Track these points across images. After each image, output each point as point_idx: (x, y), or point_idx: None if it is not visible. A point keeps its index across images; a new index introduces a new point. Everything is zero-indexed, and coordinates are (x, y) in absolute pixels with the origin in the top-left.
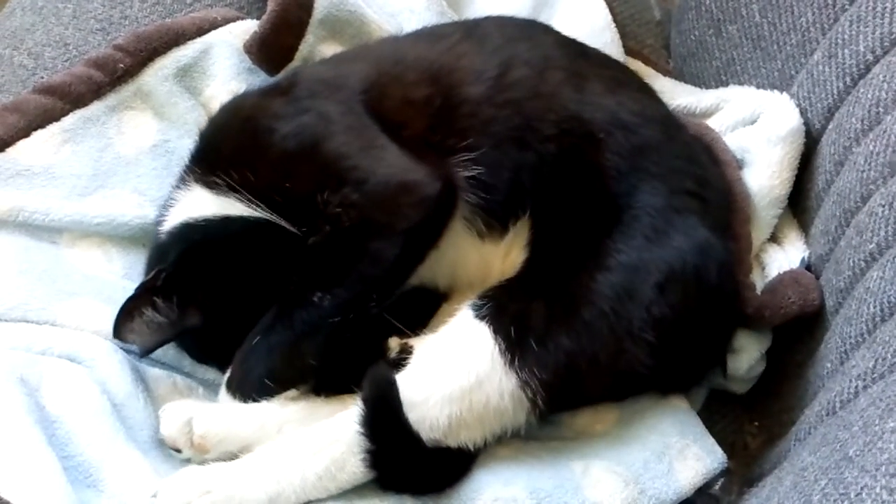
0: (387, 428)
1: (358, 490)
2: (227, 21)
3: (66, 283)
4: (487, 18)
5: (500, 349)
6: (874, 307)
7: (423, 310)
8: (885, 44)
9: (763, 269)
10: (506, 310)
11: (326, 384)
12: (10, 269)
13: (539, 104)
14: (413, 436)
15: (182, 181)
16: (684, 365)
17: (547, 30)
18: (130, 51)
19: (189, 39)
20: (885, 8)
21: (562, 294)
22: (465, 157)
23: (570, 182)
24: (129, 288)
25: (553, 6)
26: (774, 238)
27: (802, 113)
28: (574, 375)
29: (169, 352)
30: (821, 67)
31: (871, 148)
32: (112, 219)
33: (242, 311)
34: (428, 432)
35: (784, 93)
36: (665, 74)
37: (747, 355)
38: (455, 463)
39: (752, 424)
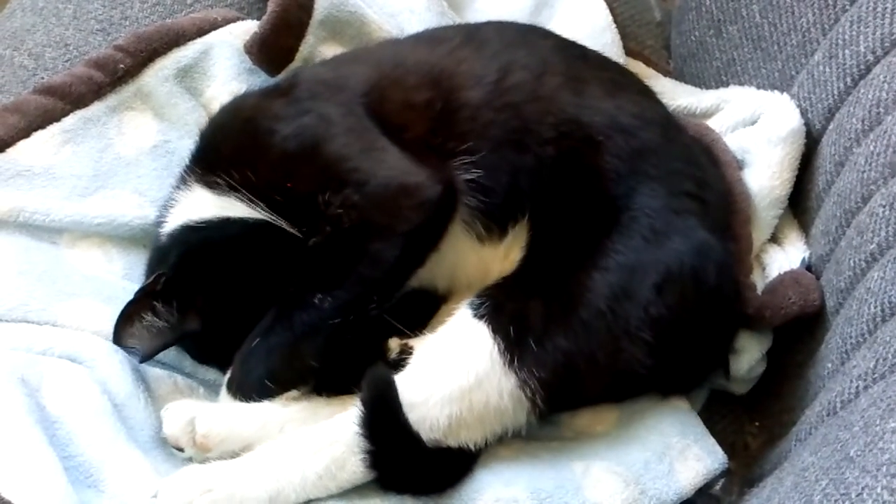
0: (386, 429)
1: (359, 490)
2: (227, 21)
3: (67, 283)
4: (487, 24)
5: (499, 349)
6: (875, 307)
7: (423, 310)
8: (886, 44)
9: (763, 269)
10: (504, 309)
11: (327, 384)
12: (11, 270)
13: (538, 107)
14: (413, 436)
15: (182, 181)
16: (685, 366)
17: (546, 35)
18: (131, 51)
19: (189, 40)
20: (886, 8)
21: (560, 293)
22: (465, 161)
23: (569, 184)
24: (129, 288)
25: (553, 6)
26: (775, 238)
27: (803, 113)
28: (572, 375)
29: (170, 352)
30: (821, 68)
31: (871, 148)
32: (112, 219)
33: (243, 312)
34: (428, 433)
35: (784, 93)
36: (665, 75)
37: (748, 356)
38: (456, 463)
39: (752, 425)
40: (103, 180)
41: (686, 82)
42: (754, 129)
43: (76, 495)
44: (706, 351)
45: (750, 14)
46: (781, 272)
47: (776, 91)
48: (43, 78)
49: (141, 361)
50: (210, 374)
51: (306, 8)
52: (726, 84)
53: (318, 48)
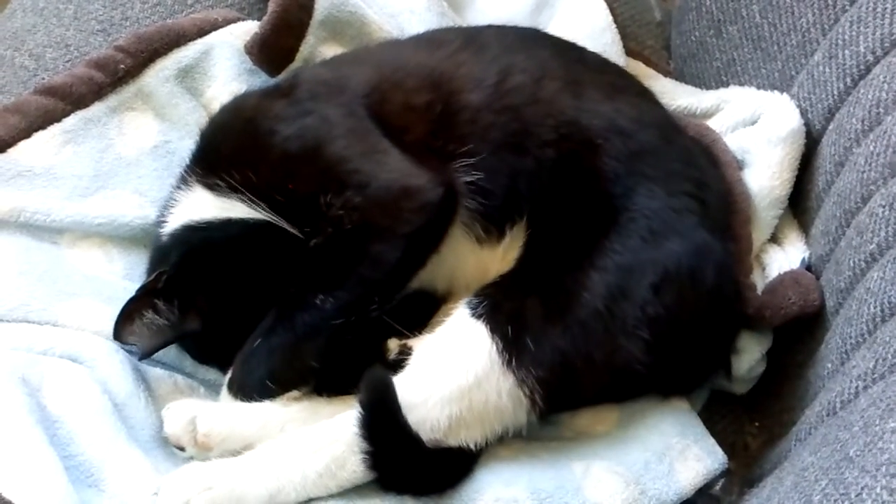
0: (385, 431)
1: (359, 490)
2: (227, 22)
3: (67, 283)
4: (487, 27)
5: (497, 348)
6: (874, 307)
7: (422, 311)
8: (886, 44)
9: (763, 269)
10: (502, 308)
11: (328, 384)
12: (11, 270)
13: (537, 110)
14: (412, 438)
15: (183, 181)
16: (685, 366)
17: (545, 38)
18: (131, 52)
19: (190, 40)
20: (886, 9)
21: (557, 292)
22: (465, 163)
23: (568, 186)
24: (129, 288)
25: (554, 7)
26: (775, 238)
27: (803, 113)
28: (570, 373)
29: (170, 352)
30: (821, 68)
31: (871, 149)
32: (113, 219)
33: (244, 312)
34: (429, 433)
35: (784, 93)
36: (666, 75)
37: (748, 356)
38: (456, 463)
39: (752, 425)
40: (104, 180)
41: (686, 82)
42: (754, 130)
43: (77, 495)
44: (706, 351)
45: (750, 14)
46: (781, 272)
47: (776, 91)
48: (44, 78)
49: (140, 359)
50: (210, 374)
51: (307, 8)
52: (726, 84)
53: (319, 48)
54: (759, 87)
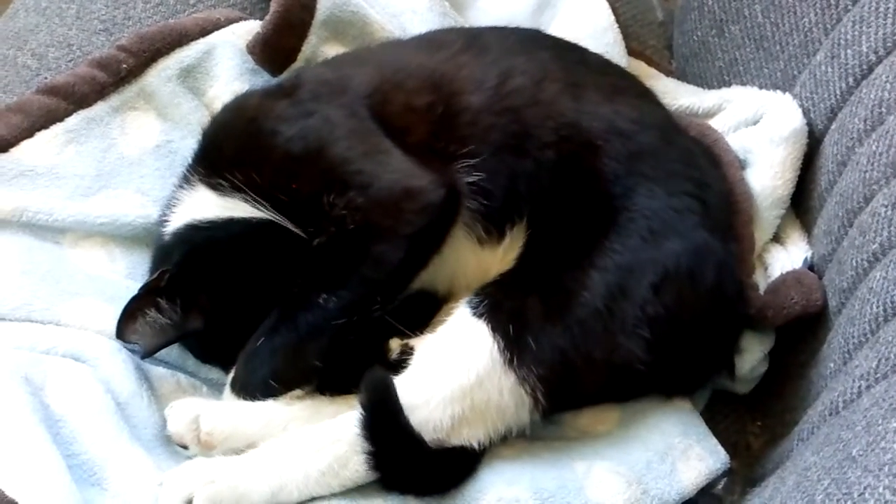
0: (386, 431)
1: (362, 489)
2: (229, 22)
3: (70, 282)
4: (488, 29)
5: (498, 347)
6: (877, 307)
7: (423, 311)
8: (888, 44)
9: (766, 269)
10: (502, 307)
11: (330, 384)
12: (14, 269)
13: (537, 111)
14: (414, 438)
15: (186, 181)
16: (686, 366)
17: (546, 40)
18: (134, 51)
19: (192, 40)
20: (889, 8)
21: (557, 291)
22: (466, 164)
23: (568, 187)
24: (132, 288)
25: (556, 6)
26: (777, 238)
27: (805, 113)
28: (571, 371)
29: (172, 351)
30: (823, 68)
31: (873, 148)
32: (115, 219)
33: (246, 312)
34: (431, 433)
35: (787, 93)
36: (668, 75)
37: (750, 355)
38: (458, 463)
39: (754, 424)
40: (106, 180)
41: (688, 82)
42: (756, 129)
43: (80, 493)
44: (708, 351)
45: (752, 14)
46: (784, 272)
47: (778, 91)
48: (46, 78)
49: (142, 358)
50: (213, 373)
51: (309, 8)
52: (728, 84)
53: (321, 48)
54: (761, 87)
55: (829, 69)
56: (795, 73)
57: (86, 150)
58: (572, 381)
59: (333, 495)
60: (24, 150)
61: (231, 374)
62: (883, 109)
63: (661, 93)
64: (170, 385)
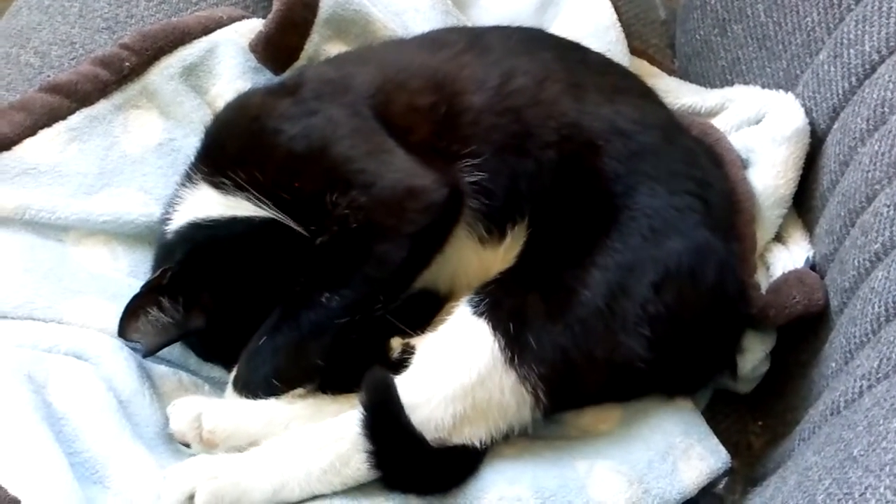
0: (387, 431)
1: (363, 488)
2: (232, 20)
3: (72, 281)
4: (490, 29)
5: (499, 345)
6: (879, 307)
7: (424, 310)
8: (891, 44)
9: (768, 268)
10: (503, 305)
11: (332, 383)
12: (16, 267)
13: (539, 111)
14: (416, 437)
15: (188, 179)
16: (688, 365)
17: (548, 40)
18: (136, 49)
19: (195, 38)
20: (891, 8)
21: (558, 290)
22: (468, 164)
23: (570, 186)
24: (134, 286)
25: (559, 5)
26: (779, 238)
27: (807, 113)
28: (572, 370)
29: (174, 349)
30: (826, 67)
31: (876, 148)
32: (118, 217)
33: (248, 310)
34: (433, 432)
35: (789, 92)
36: (670, 74)
37: (752, 355)
38: (460, 462)
39: (756, 424)
40: (109, 178)
41: (691, 81)
42: (759, 129)
43: (82, 491)
44: (710, 350)
45: (755, 13)
46: (785, 271)
47: (781, 90)
48: (49, 76)
49: (144, 356)
50: (214, 371)
51: (311, 6)
52: (731, 83)
53: (323, 47)
54: (763, 86)
55: (832, 69)
56: (798, 72)
57: (88, 149)
58: (573, 380)
59: (335, 493)
60: (27, 148)
61: (233, 373)
62: (885, 109)
63: (663, 92)
64: (172, 383)
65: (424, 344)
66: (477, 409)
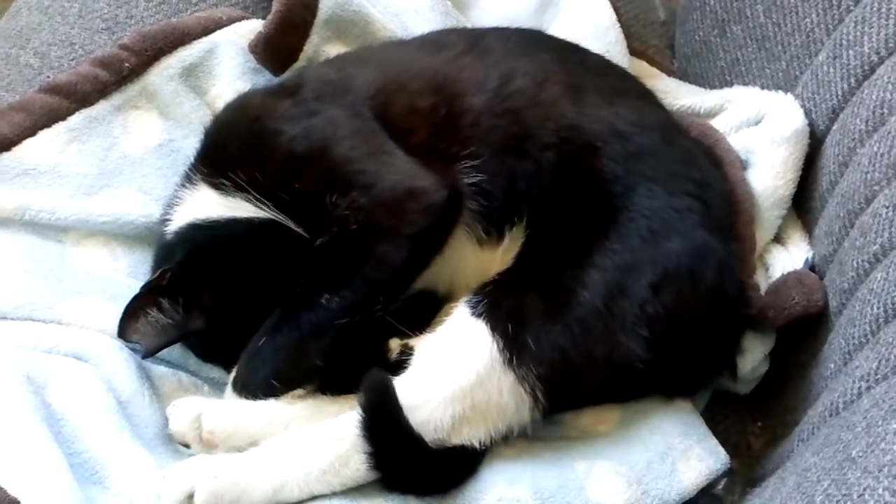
0: (386, 433)
1: (362, 489)
2: (232, 21)
3: (72, 281)
4: (490, 30)
5: (498, 346)
6: (878, 308)
7: (423, 311)
8: (890, 45)
9: (767, 269)
10: (501, 306)
11: (331, 383)
12: (16, 268)
13: (538, 113)
14: (414, 439)
15: (188, 180)
16: (687, 366)
17: (548, 42)
18: (136, 50)
19: (194, 39)
20: (891, 9)
21: (556, 290)
22: (468, 165)
23: (568, 187)
24: (134, 287)
25: (558, 6)
26: (778, 239)
27: (807, 114)
28: (570, 370)
29: (174, 350)
30: (825, 68)
31: (875, 149)
32: (117, 218)
33: (248, 311)
34: (432, 433)
35: (788, 93)
36: (669, 74)
37: (751, 356)
38: (459, 463)
39: (755, 425)
40: (108, 179)
41: (690, 82)
42: (758, 130)
43: (81, 492)
44: (709, 351)
45: (754, 14)
46: (785, 272)
47: (780, 91)
48: (48, 77)
49: (144, 357)
50: (214, 371)
51: (311, 7)
52: (730, 84)
53: (323, 47)
54: (763, 87)
55: (831, 70)
56: (797, 73)
57: (88, 149)
58: (572, 381)
59: (334, 494)
60: (27, 149)
61: (233, 374)
62: (885, 110)
63: (662, 93)
64: (171, 384)
65: (423, 345)
66: (476, 410)
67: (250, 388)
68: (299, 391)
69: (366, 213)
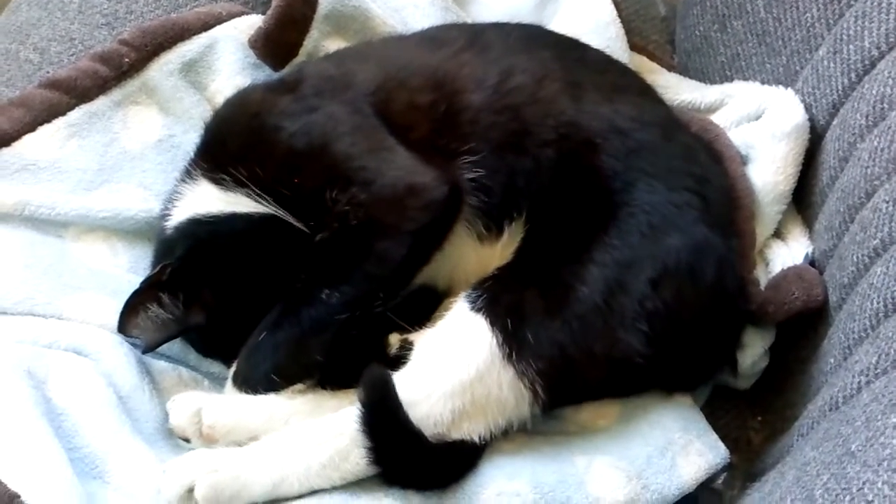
0: (386, 428)
1: (362, 483)
2: (231, 16)
3: (72, 277)
4: (490, 26)
5: (497, 341)
6: (877, 303)
7: (423, 306)
8: (891, 40)
9: (767, 264)
10: (501, 301)
11: (332, 378)
12: (16, 263)
13: (537, 110)
14: (414, 434)
15: (188, 175)
16: (687, 362)
17: (548, 39)
18: (136, 46)
19: (194, 34)
20: (891, 4)
21: (556, 286)
22: (467, 161)
23: (568, 183)
24: (134, 282)
25: (558, 1)
26: (778, 234)
27: (807, 109)
28: (570, 365)
29: (174, 345)
30: (826, 63)
31: (875, 144)
32: (117, 213)
33: (248, 307)
34: (432, 428)
35: (789, 88)
36: (670, 70)
37: (751, 351)
38: (459, 458)
39: (755, 420)
40: (108, 174)
41: (690, 77)
42: (758, 125)
43: (82, 486)
44: (710, 347)
45: (755, 9)
46: (785, 267)
47: (780, 86)
48: (48, 72)
49: (144, 352)
50: (214, 366)
51: (310, 3)
52: (731, 79)
53: (322, 43)
54: (763, 82)
55: (832, 65)
56: (798, 68)
57: (88, 145)
58: (572, 376)
59: (334, 488)
60: (27, 144)
61: (233, 369)
62: (885, 105)
63: (662, 88)
64: (171, 379)
65: (423, 340)
66: (475, 405)
67: (250, 383)
68: (299, 386)
69: (366, 209)
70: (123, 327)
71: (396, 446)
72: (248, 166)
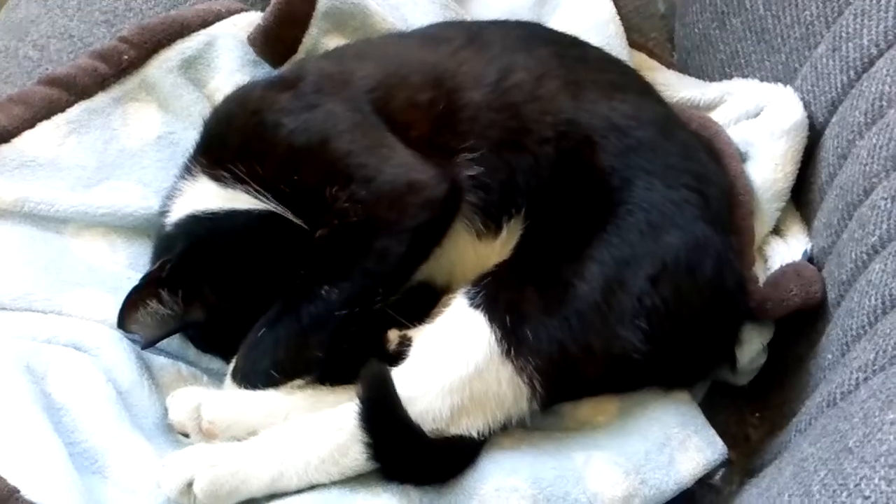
0: (385, 424)
1: (361, 479)
2: (231, 13)
3: (71, 273)
4: (489, 24)
5: (496, 337)
6: (875, 299)
7: (422, 302)
8: (890, 37)
9: (766, 261)
10: (499, 297)
11: (331, 374)
12: (16, 260)
13: (536, 108)
14: (413, 430)
15: (187, 172)
16: (686, 358)
17: (547, 37)
18: (135, 43)
19: (193, 31)
20: (890, 2)
21: (555, 282)
22: (466, 159)
23: (567, 181)
24: (133, 278)
25: None
26: (777, 231)
27: (806, 106)
28: (568, 362)
29: (173, 341)
30: (825, 61)
31: (874, 141)
32: (117, 210)
33: (248, 303)
34: (431, 424)
35: (788, 86)
36: (669, 67)
37: (749, 347)
38: (458, 454)
39: (753, 416)
40: (108, 171)
41: (690, 74)
42: (757, 122)
43: (81, 481)
44: (708, 344)
45: (754, 6)
46: (783, 264)
47: (780, 84)
48: (48, 69)
49: (143, 348)
50: (214, 362)
51: (309, 0)
52: (730, 76)
53: (322, 40)
54: (762, 80)
55: (831, 62)
56: (797, 65)
57: (87, 141)
58: (570, 372)
59: (333, 483)
60: (26, 141)
61: (232, 364)
62: (884, 103)
63: (662, 85)
64: (171, 374)
65: (421, 336)
66: (474, 401)
67: (250, 379)
68: (299, 382)
69: (366, 206)
70: (123, 323)
71: (395, 442)
72: (247, 163)
